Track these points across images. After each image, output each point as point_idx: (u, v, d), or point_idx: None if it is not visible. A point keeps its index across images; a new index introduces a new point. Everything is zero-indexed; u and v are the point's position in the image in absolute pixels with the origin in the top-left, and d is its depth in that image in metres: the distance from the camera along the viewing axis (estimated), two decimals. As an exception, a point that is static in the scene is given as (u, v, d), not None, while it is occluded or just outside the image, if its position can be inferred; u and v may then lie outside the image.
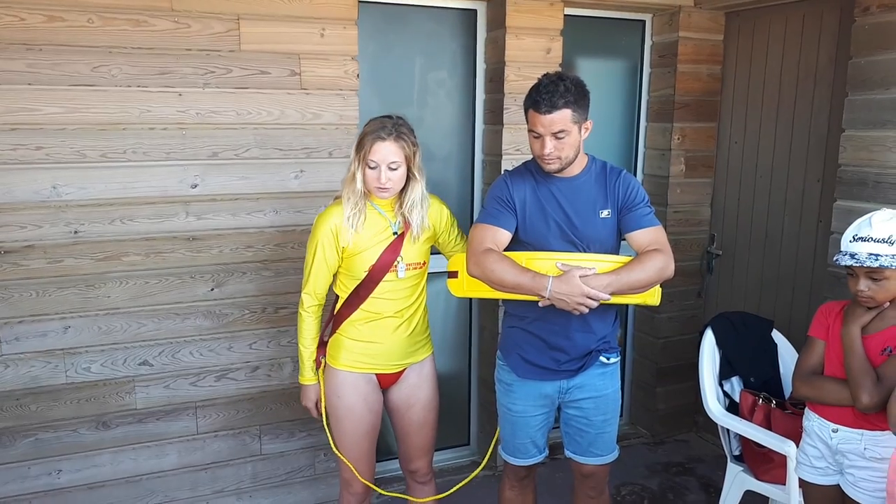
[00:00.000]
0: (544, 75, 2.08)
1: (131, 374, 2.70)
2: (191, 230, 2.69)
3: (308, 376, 2.33)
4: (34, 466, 2.63)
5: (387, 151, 2.12)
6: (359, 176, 2.15)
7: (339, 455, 2.34)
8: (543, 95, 2.01)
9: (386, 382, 2.35)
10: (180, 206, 2.65)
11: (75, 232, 2.54)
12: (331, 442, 2.35)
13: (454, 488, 2.52)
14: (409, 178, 2.19)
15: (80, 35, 2.43)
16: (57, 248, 2.52)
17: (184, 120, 2.60)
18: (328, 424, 2.35)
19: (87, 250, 2.56)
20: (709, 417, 2.76)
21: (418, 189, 2.21)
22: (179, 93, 2.57)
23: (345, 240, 2.19)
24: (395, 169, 2.14)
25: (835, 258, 2.08)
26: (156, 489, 2.82)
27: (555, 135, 2.03)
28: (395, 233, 2.24)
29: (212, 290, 2.75)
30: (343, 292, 2.29)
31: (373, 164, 2.13)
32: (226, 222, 2.72)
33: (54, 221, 2.50)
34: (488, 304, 3.35)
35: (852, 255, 2.02)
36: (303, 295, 2.28)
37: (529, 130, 2.09)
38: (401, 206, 2.23)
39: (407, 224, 2.24)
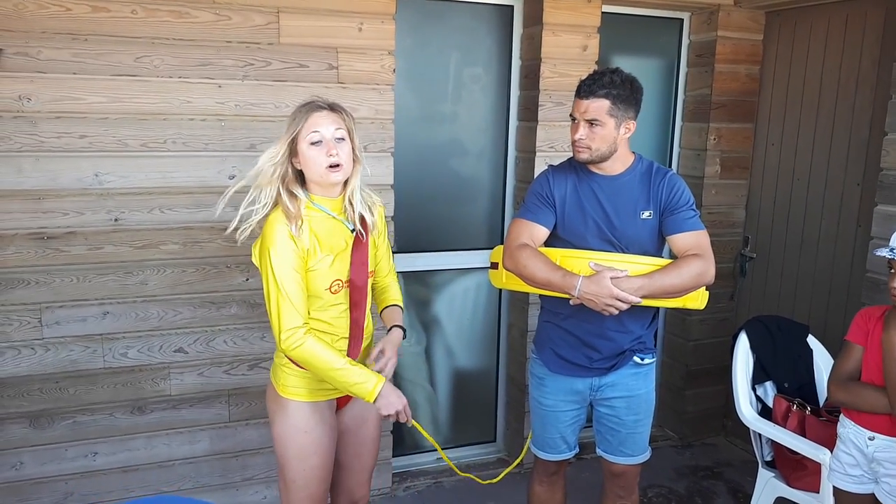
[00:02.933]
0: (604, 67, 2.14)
1: (167, 360, 2.74)
2: (228, 220, 2.70)
3: (375, 379, 1.87)
4: (71, 448, 2.69)
5: (329, 120, 1.83)
6: (281, 168, 1.85)
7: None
8: (587, 81, 2.06)
9: (342, 402, 2.11)
10: (218, 196, 2.67)
11: (116, 219, 2.58)
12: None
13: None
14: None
15: (124, 26, 2.47)
16: (98, 234, 2.57)
17: (223, 111, 2.63)
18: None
19: (127, 238, 2.61)
20: (738, 421, 2.74)
21: (358, 174, 1.93)
22: (219, 84, 2.61)
23: (302, 246, 1.85)
24: (342, 139, 1.84)
25: (875, 250, 2.05)
26: (187, 474, 2.86)
27: (589, 122, 2.05)
28: (352, 230, 1.96)
29: (247, 279, 2.78)
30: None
31: (315, 139, 1.81)
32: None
33: (96, 209, 2.55)
34: (517, 302, 3.34)
35: (892, 250, 1.99)
36: (287, 332, 1.83)
37: (570, 115, 2.12)
38: (345, 196, 1.93)
39: (364, 221, 1.96)
